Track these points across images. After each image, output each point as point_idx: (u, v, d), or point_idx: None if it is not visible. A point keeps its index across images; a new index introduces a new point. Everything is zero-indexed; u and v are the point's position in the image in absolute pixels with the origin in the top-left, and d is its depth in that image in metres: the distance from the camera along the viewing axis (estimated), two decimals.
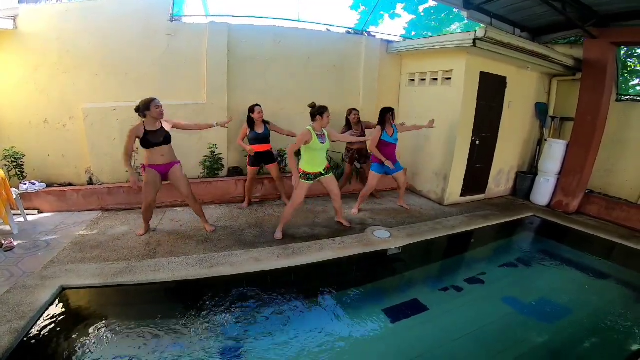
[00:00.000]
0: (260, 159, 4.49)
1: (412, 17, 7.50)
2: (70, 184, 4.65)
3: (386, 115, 4.35)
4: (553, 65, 5.16)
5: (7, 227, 3.63)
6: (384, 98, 5.81)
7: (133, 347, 2.23)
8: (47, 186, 4.46)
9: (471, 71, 4.73)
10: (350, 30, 5.55)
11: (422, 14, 7.68)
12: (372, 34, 5.73)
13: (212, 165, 4.93)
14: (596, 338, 2.67)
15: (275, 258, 3.22)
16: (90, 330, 2.36)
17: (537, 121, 5.86)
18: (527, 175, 5.71)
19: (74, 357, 2.14)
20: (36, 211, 4.28)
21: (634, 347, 2.54)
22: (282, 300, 2.81)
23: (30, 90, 4.35)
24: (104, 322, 2.44)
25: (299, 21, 5.29)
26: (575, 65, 5.21)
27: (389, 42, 5.67)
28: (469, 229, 4.25)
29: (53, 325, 2.33)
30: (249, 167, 4.52)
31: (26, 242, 3.47)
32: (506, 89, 5.24)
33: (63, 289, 2.67)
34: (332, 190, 3.86)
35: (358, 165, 5.16)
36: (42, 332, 2.24)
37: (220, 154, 4.95)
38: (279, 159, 5.02)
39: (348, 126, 4.88)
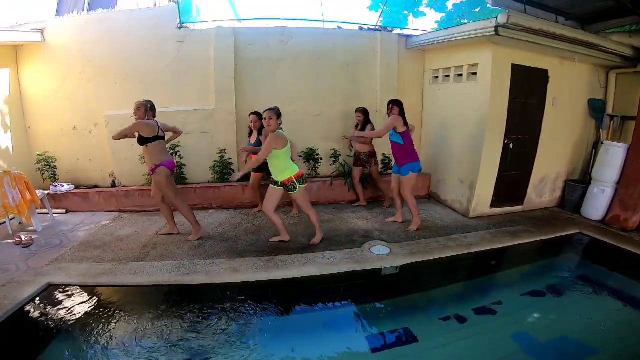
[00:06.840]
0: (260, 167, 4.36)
1: (441, 15, 6.70)
2: (96, 186, 5.03)
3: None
4: (607, 55, 4.26)
5: (32, 226, 4.01)
6: (405, 97, 5.27)
7: (97, 345, 2.27)
8: (76, 188, 4.87)
9: (500, 64, 4.08)
10: (363, 26, 5.19)
11: (452, 10, 6.80)
12: (389, 29, 5.31)
13: (222, 170, 4.94)
14: None
15: (254, 270, 3.08)
16: (61, 325, 2.46)
17: (592, 121, 4.90)
18: (578, 184, 4.78)
19: (43, 348, 2.24)
20: (64, 210, 4.69)
21: None
22: (252, 315, 2.66)
23: (60, 99, 4.80)
24: (76, 319, 2.52)
25: (306, 20, 5.12)
26: (635, 56, 4.27)
27: (408, 36, 5.19)
28: (490, 247, 3.64)
29: (33, 317, 2.52)
30: (252, 172, 4.44)
31: (44, 240, 3.78)
32: (548, 84, 4.45)
33: (49, 285, 2.82)
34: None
35: (366, 170, 4.87)
36: (16, 324, 2.38)
37: (230, 158, 4.95)
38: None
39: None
